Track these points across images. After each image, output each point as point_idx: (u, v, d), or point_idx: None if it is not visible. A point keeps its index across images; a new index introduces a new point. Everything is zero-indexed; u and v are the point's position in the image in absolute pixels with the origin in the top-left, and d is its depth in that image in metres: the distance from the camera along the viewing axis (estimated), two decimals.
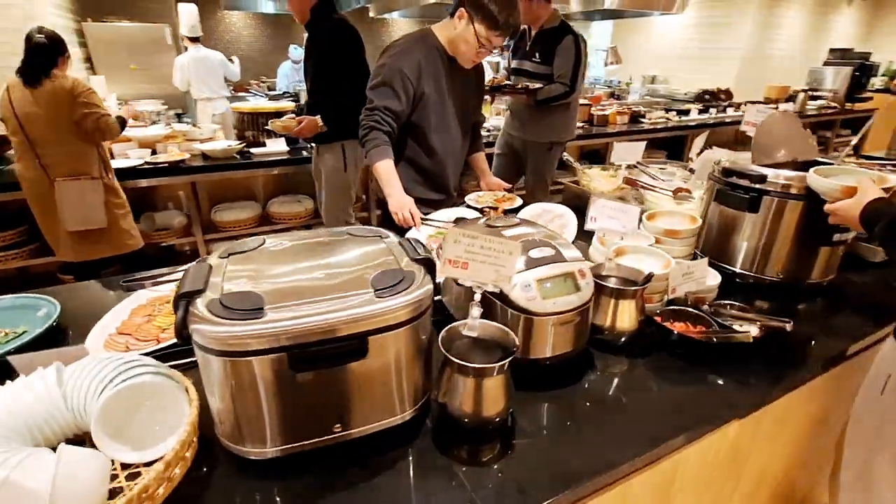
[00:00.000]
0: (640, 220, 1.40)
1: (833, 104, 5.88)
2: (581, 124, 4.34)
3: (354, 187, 2.95)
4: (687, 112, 4.93)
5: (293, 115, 2.94)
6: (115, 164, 2.75)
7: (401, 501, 0.72)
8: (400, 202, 1.63)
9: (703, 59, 7.35)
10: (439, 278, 0.84)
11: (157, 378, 0.79)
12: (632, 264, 1.14)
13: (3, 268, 2.73)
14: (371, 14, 5.75)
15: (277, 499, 0.73)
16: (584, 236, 1.46)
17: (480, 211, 1.73)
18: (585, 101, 4.51)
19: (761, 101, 5.77)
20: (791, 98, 5.71)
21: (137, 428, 0.77)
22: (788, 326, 1.09)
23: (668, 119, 4.68)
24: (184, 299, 0.71)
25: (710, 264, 1.36)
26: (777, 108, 5.30)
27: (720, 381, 1.01)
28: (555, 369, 0.98)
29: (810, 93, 5.77)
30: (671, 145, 4.73)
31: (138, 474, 0.71)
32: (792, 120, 1.47)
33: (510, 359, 0.77)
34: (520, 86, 2.97)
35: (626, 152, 1.83)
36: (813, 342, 1.17)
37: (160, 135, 3.17)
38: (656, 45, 8.06)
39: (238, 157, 3.06)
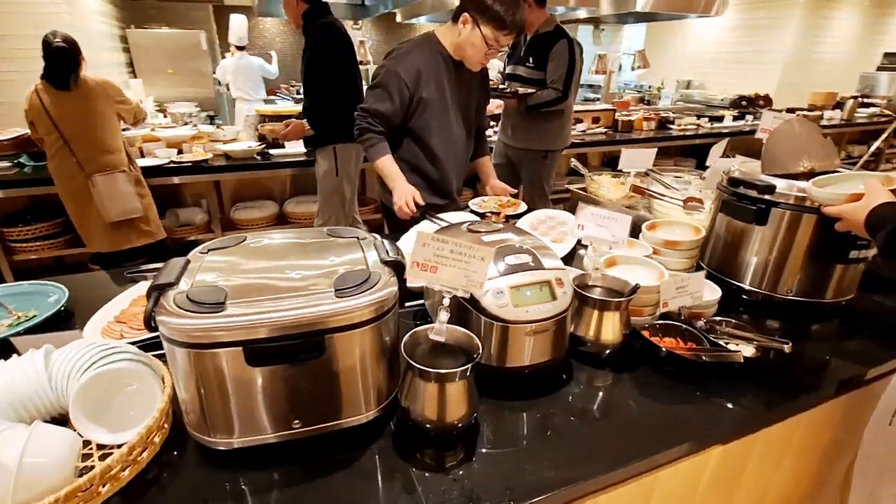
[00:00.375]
0: (640, 229, 1.36)
1: (887, 112, 5.54)
2: (604, 130, 4.25)
3: (348, 192, 2.93)
4: (720, 119, 4.75)
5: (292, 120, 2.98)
6: (143, 162, 2.89)
7: (355, 502, 0.73)
8: (402, 193, 1.67)
9: (743, 63, 7.06)
10: (409, 282, 0.83)
11: (134, 365, 0.83)
12: (623, 275, 1.10)
13: (41, 256, 2.91)
14: (398, 19, 5.81)
15: (243, 488, 0.75)
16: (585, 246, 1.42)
17: (482, 216, 1.72)
18: (610, 107, 4.42)
19: (805, 107, 5.51)
20: (839, 105, 5.42)
21: (116, 411, 0.81)
22: (787, 348, 1.03)
23: (698, 126, 4.53)
24: (155, 291, 0.74)
25: (716, 279, 1.31)
26: (822, 114, 5.06)
27: (708, 403, 0.96)
28: (531, 379, 0.97)
29: (861, 99, 5.46)
30: (703, 153, 4.56)
31: (111, 455, 0.74)
32: (811, 128, 1.39)
33: (471, 364, 0.76)
34: (509, 90, 2.93)
35: (635, 159, 1.78)
36: (820, 366, 1.10)
37: (187, 135, 3.30)
38: (693, 48, 7.81)
39: (258, 157, 3.14)
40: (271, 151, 3.17)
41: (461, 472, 0.77)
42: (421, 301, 1.18)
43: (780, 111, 5.10)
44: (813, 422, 1.12)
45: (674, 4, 4.48)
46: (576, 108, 4.39)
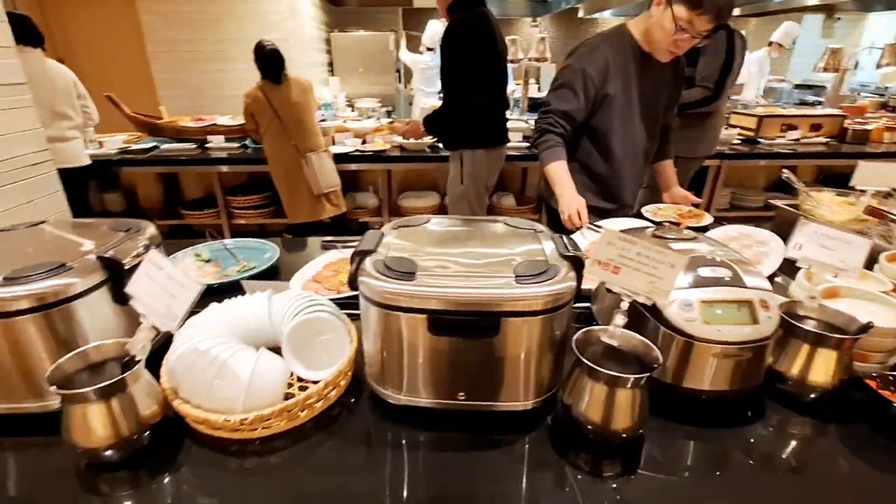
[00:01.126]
0: (875, 260, 1.10)
1: None
2: (825, 140, 3.54)
3: (474, 199, 2.74)
4: None
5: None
6: (333, 149, 3.33)
7: (502, 482, 0.74)
8: (569, 202, 1.59)
9: None
10: (586, 281, 0.81)
11: (331, 317, 0.95)
12: (846, 310, 0.91)
13: (250, 222, 3.60)
14: (580, 14, 5.63)
15: (403, 441, 0.82)
16: (789, 271, 1.21)
17: (657, 225, 1.58)
18: (837, 112, 3.65)
19: None
20: None
21: (313, 352, 0.93)
22: None
23: None
24: (358, 256, 0.84)
25: None
26: None
27: None
28: (711, 406, 0.86)
29: None
30: None
31: (306, 388, 0.87)
32: None
33: (647, 375, 0.71)
34: None
35: (876, 175, 1.44)
36: None
37: (370, 127, 3.70)
38: None
39: (428, 150, 3.37)
40: (440, 146, 3.37)
41: (618, 485, 0.73)
42: (586, 304, 1.14)
43: None
44: None
45: None
46: (791, 112, 3.74)
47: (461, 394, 0.80)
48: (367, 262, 0.81)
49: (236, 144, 3.60)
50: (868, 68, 5.70)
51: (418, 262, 0.80)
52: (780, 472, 0.77)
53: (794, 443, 0.84)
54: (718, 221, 1.66)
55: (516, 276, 0.75)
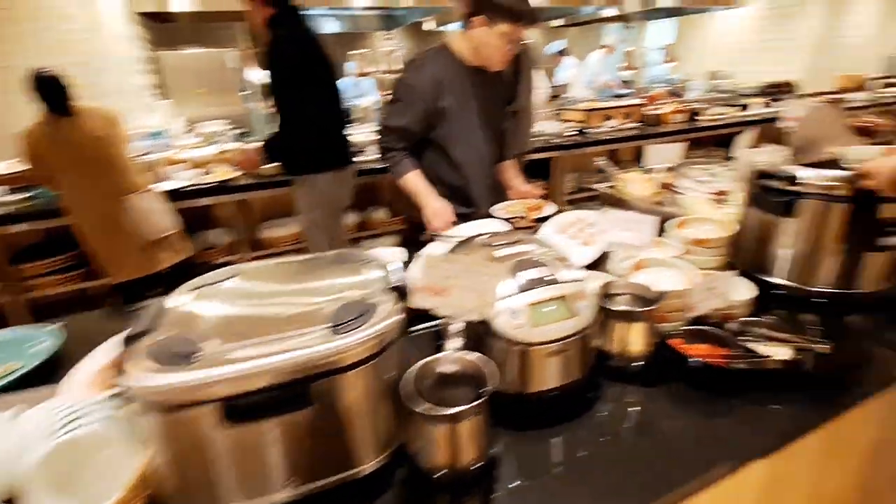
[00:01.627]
0: (663, 229, 1.27)
1: None
2: (634, 125, 4.13)
3: (328, 225, 2.56)
4: (744, 107, 4.57)
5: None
6: (164, 185, 2.81)
7: None
8: (435, 210, 1.63)
9: (770, 51, 6.79)
10: (415, 306, 0.77)
11: (106, 428, 0.72)
12: (653, 279, 1.02)
13: (58, 292, 2.83)
14: (425, 27, 5.77)
15: None
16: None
17: (510, 221, 1.65)
18: (639, 102, 4.30)
19: (835, 91, 5.28)
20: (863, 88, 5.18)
21: (87, 482, 0.69)
22: (825, 349, 0.93)
23: (727, 115, 4.37)
24: (128, 342, 0.67)
25: (748, 276, 1.21)
26: (842, 97, 4.78)
27: (746, 413, 0.87)
28: (554, 403, 0.88)
29: (889, 80, 5.21)
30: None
31: None
32: (834, 114, 1.28)
33: (483, 399, 0.68)
34: None
35: (658, 155, 1.68)
36: (862, 362, 1.01)
37: (209, 155, 3.21)
38: (721, 40, 7.54)
39: (284, 173, 3.08)
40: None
41: None
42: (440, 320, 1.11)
43: (802, 97, 4.88)
44: (856, 424, 1.01)
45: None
46: (608, 104, 4.27)
47: (291, 480, 0.67)
48: (133, 351, 0.64)
49: (22, 195, 2.83)
50: (655, 65, 6.88)
51: (203, 335, 0.65)
52: (629, 443, 0.83)
53: (631, 413, 0.90)
54: (572, 205, 1.79)
55: (329, 326, 0.66)
